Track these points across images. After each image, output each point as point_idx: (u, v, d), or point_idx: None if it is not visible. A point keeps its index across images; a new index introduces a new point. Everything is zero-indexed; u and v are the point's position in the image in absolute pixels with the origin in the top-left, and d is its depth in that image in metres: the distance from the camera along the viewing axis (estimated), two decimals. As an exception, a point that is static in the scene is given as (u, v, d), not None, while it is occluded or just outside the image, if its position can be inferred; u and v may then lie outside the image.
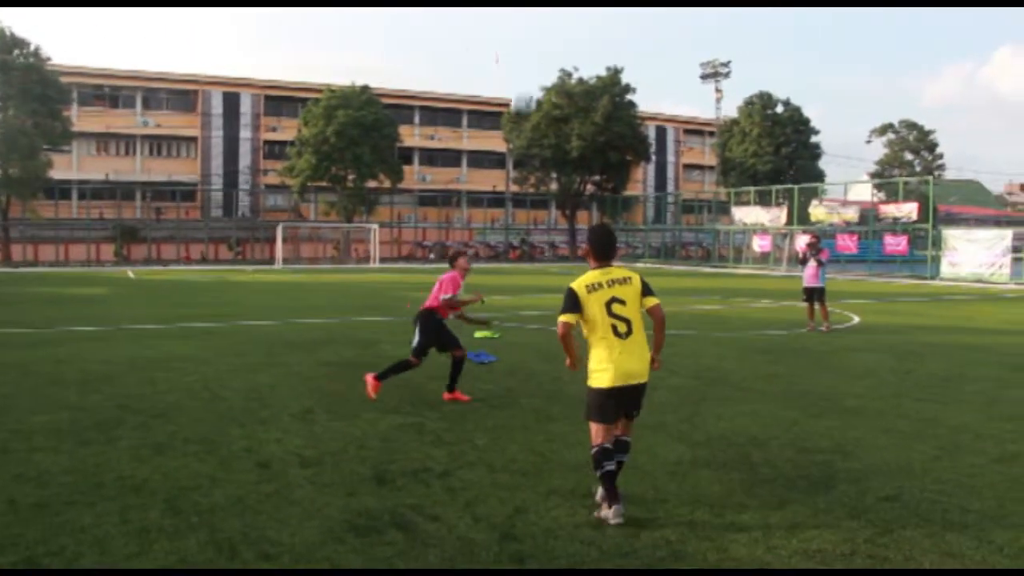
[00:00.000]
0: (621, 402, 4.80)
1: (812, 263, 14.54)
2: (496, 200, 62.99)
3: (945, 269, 33.47)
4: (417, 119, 63.37)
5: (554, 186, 56.42)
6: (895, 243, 37.57)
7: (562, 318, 4.81)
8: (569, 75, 54.13)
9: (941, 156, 68.00)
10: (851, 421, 7.20)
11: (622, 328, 4.75)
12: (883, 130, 68.88)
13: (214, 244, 52.32)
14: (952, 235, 34.28)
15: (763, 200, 45.32)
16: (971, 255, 32.55)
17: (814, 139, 56.14)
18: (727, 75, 62.66)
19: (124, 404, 7.70)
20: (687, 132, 74.72)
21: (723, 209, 51.88)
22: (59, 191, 48.68)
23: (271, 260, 47.52)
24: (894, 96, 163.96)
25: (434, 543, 4.30)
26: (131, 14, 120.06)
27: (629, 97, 54.04)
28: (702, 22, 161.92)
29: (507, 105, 57.74)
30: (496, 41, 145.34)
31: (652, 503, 4.95)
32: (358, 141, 48.53)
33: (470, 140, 65.54)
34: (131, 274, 35.84)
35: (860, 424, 7.08)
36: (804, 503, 4.96)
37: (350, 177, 50.43)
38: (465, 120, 65.88)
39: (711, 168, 68.20)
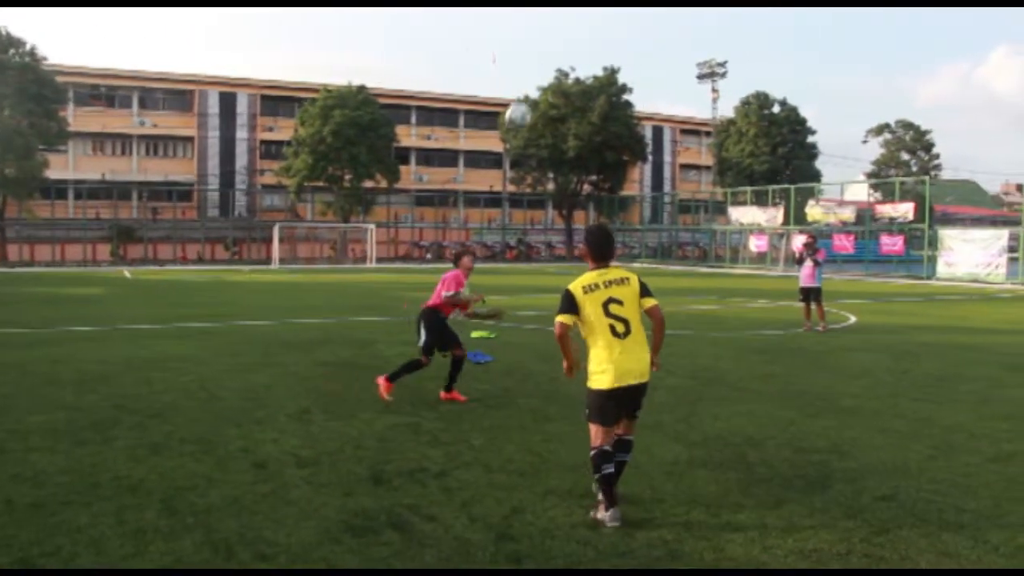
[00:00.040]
0: (621, 403, 4.79)
1: (808, 263, 14.55)
2: (493, 200, 62.96)
3: (941, 269, 33.52)
4: (414, 119, 63.38)
5: (551, 186, 56.45)
6: (891, 243, 37.64)
7: (559, 319, 4.80)
8: (566, 75, 54.17)
9: (937, 156, 68.18)
10: (847, 421, 7.21)
11: (620, 328, 4.74)
12: (879, 130, 68.97)
13: (210, 244, 52.26)
14: (948, 235, 34.34)
15: (760, 200, 45.39)
16: (967, 255, 32.60)
17: (810, 139, 56.16)
18: (723, 75, 62.95)
19: (120, 404, 7.69)
20: (684, 132, 74.82)
21: (719, 209, 51.95)
22: (55, 191, 48.61)
23: (268, 260, 47.48)
24: (890, 96, 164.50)
25: (430, 543, 4.30)
26: (127, 14, 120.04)
27: (626, 97, 54.10)
28: (699, 22, 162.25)
29: (505, 105, 57.51)
30: (495, 41, 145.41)
31: (649, 503, 4.95)
32: (355, 141, 48.52)
33: (467, 140, 65.55)
34: (127, 274, 35.78)
35: (856, 424, 7.09)
36: (800, 503, 4.97)
37: (347, 177, 50.42)
38: (462, 120, 65.88)
39: (708, 168, 68.33)
